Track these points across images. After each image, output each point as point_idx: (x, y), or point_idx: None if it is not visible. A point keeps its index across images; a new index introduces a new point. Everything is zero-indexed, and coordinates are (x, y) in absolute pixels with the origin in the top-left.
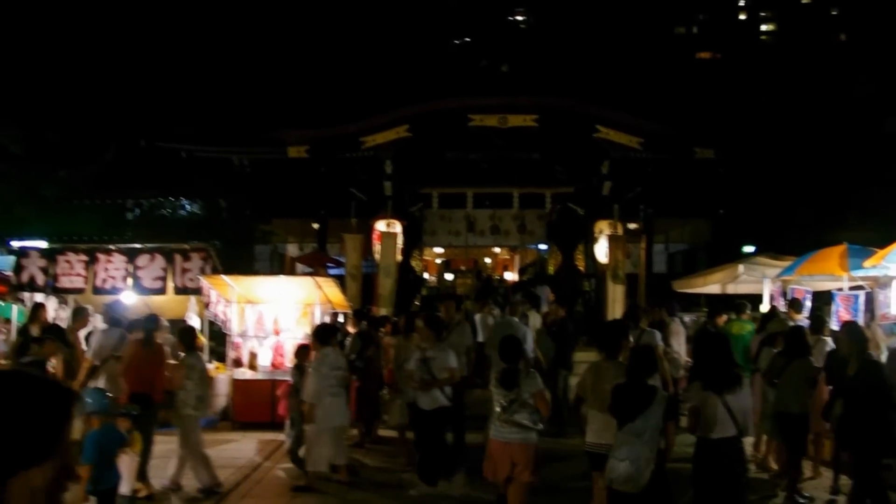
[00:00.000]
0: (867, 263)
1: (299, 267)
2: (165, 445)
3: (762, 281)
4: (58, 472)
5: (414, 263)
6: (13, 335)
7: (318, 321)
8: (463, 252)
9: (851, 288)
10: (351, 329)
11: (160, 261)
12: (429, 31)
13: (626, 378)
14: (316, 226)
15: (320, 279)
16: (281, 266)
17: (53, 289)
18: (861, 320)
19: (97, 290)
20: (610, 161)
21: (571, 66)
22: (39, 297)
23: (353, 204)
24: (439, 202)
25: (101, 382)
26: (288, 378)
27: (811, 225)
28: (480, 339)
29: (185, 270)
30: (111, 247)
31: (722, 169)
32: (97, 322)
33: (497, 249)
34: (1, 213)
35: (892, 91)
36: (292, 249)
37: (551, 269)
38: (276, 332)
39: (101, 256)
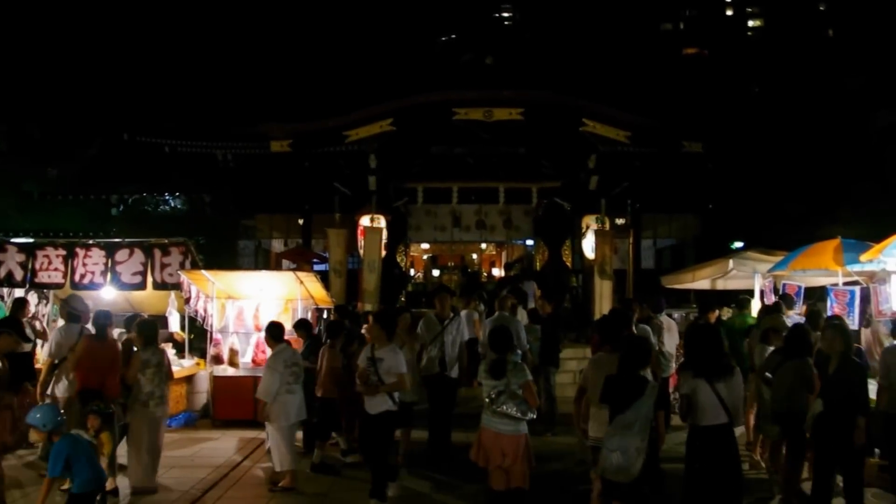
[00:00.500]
0: (864, 258)
1: (285, 263)
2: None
3: (753, 276)
4: None
5: (399, 259)
6: None
7: (299, 317)
8: (449, 248)
9: (846, 283)
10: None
11: (139, 255)
12: (413, 24)
13: (619, 368)
14: (301, 221)
15: (301, 274)
16: (266, 262)
17: (31, 283)
18: (857, 316)
19: (76, 285)
20: (597, 155)
21: (557, 60)
22: (19, 292)
23: (337, 199)
24: (424, 197)
25: (62, 381)
26: None
27: (801, 220)
28: (467, 336)
29: (164, 265)
30: (90, 241)
31: (710, 163)
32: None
33: (483, 245)
34: None
35: (883, 83)
36: (277, 245)
37: (538, 265)
38: (258, 328)
39: (80, 251)
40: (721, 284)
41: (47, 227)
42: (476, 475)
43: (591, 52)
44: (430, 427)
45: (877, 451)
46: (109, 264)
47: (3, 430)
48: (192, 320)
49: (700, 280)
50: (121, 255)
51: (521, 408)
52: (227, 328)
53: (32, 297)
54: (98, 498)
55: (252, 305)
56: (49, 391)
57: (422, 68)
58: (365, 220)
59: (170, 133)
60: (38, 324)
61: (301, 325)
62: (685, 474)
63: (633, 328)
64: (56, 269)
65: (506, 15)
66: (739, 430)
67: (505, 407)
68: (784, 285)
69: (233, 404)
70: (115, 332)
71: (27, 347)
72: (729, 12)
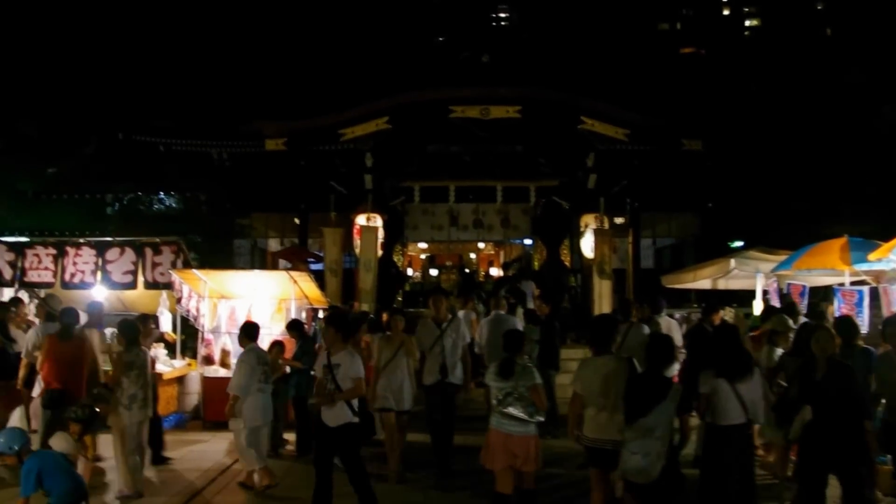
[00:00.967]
0: (872, 256)
1: (281, 263)
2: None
3: (755, 276)
4: None
5: (396, 258)
6: None
7: (293, 317)
8: (446, 247)
9: (852, 283)
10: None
11: (130, 254)
12: (409, 22)
13: (646, 368)
14: (297, 220)
15: (295, 273)
16: (262, 261)
17: (21, 283)
18: (866, 316)
19: (66, 285)
20: (595, 153)
21: (555, 58)
22: (9, 292)
23: (333, 197)
24: (421, 196)
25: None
26: None
27: (804, 218)
28: (468, 339)
29: (155, 264)
30: (80, 240)
31: (710, 161)
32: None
33: (481, 245)
34: None
35: (887, 79)
36: (273, 244)
37: (536, 265)
38: None
39: (70, 250)
40: (722, 284)
41: (42, 226)
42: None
43: (589, 51)
44: (432, 436)
45: (888, 457)
46: (100, 263)
47: None
48: (184, 320)
49: (701, 280)
50: (111, 254)
51: (528, 410)
52: (219, 328)
53: (24, 297)
54: None
55: (245, 305)
56: (34, 392)
57: (418, 66)
58: (361, 219)
59: (165, 132)
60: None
61: (293, 326)
62: (701, 473)
63: (625, 329)
64: (46, 269)
65: (503, 16)
66: None
67: (511, 409)
68: (788, 285)
69: (224, 406)
70: (108, 332)
71: (18, 347)
72: (726, 12)
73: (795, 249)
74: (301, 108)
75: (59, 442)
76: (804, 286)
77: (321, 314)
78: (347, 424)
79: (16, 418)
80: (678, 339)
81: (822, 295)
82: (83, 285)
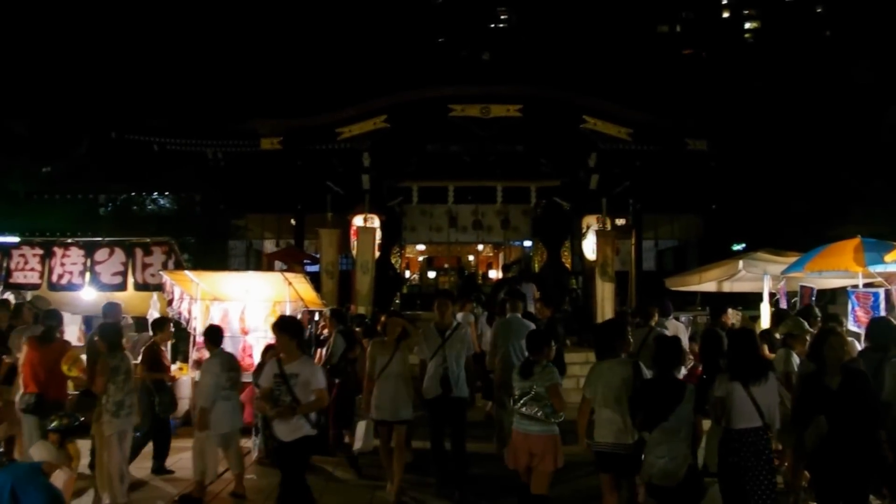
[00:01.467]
0: (889, 258)
1: (277, 264)
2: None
3: (762, 278)
4: None
5: (394, 260)
6: None
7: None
8: (445, 249)
9: (865, 285)
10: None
11: (120, 255)
12: (408, 20)
13: (655, 371)
14: (293, 221)
15: (290, 275)
16: (258, 263)
17: (6, 284)
18: None
19: (53, 286)
20: (597, 153)
21: (556, 58)
22: None
23: (330, 198)
24: (419, 196)
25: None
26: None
27: (810, 220)
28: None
29: (146, 265)
30: (68, 240)
31: (714, 162)
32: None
33: (480, 247)
34: None
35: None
36: (268, 246)
37: (536, 267)
38: (244, 332)
39: (58, 250)
40: (728, 286)
41: (34, 227)
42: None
43: (589, 52)
44: (434, 454)
45: None
46: (88, 264)
47: None
48: (176, 323)
49: (707, 282)
50: (100, 254)
51: (545, 410)
52: None
53: (10, 298)
54: None
55: (238, 308)
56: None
57: (417, 64)
58: (358, 220)
59: (159, 131)
60: None
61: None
62: (719, 477)
63: (645, 333)
64: (32, 269)
65: (502, 17)
66: None
67: (526, 408)
68: (801, 287)
69: None
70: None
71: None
72: (725, 14)
73: (801, 252)
74: (297, 106)
75: (39, 451)
76: (813, 288)
77: (317, 316)
78: (304, 438)
79: None
80: (685, 343)
81: (828, 298)
82: (71, 287)
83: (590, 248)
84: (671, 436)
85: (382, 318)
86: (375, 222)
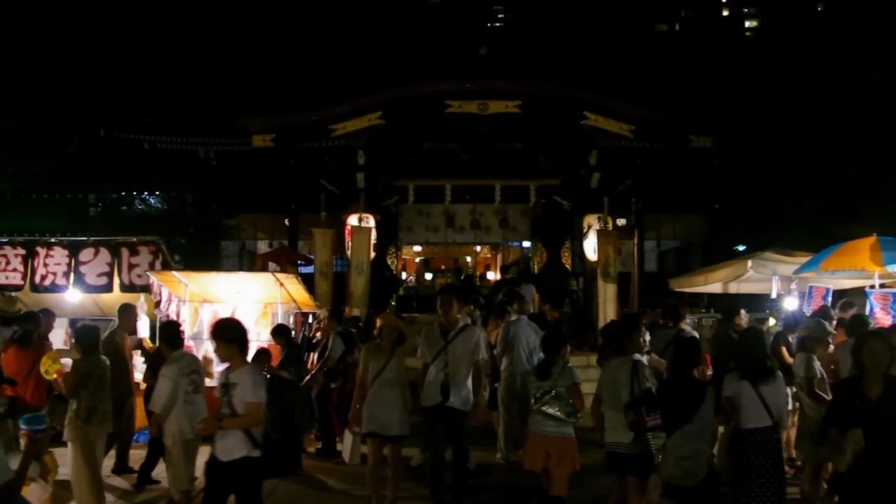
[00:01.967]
0: None
1: (271, 265)
2: None
3: (770, 279)
4: None
5: (389, 261)
6: None
7: (279, 322)
8: (442, 250)
9: (881, 285)
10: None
11: (105, 255)
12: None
13: (672, 372)
14: (286, 221)
15: (282, 276)
16: (250, 264)
17: None
18: None
19: (36, 287)
20: (598, 151)
21: (556, 53)
22: None
23: (324, 197)
24: (416, 195)
25: None
26: None
27: (818, 219)
28: (482, 354)
29: (132, 266)
30: (52, 240)
31: (718, 160)
32: None
33: (478, 247)
34: None
35: None
36: (262, 246)
37: (536, 268)
38: None
39: (41, 250)
40: (734, 287)
41: (21, 227)
42: None
43: (591, 49)
44: (432, 464)
45: None
46: (73, 264)
47: None
48: None
49: (714, 283)
50: (85, 254)
51: (565, 409)
52: (200, 334)
53: None
54: None
55: (228, 310)
56: None
57: (413, 59)
58: (353, 220)
59: (149, 128)
60: None
61: (279, 332)
62: (730, 477)
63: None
64: (14, 270)
65: (499, 16)
66: None
67: (547, 407)
68: (811, 288)
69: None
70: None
71: None
72: (725, 13)
73: (810, 252)
74: (290, 103)
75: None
76: (827, 289)
77: (311, 319)
78: (244, 459)
79: None
80: None
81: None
82: (55, 288)
83: (591, 248)
84: (696, 438)
85: (378, 322)
86: (371, 222)
